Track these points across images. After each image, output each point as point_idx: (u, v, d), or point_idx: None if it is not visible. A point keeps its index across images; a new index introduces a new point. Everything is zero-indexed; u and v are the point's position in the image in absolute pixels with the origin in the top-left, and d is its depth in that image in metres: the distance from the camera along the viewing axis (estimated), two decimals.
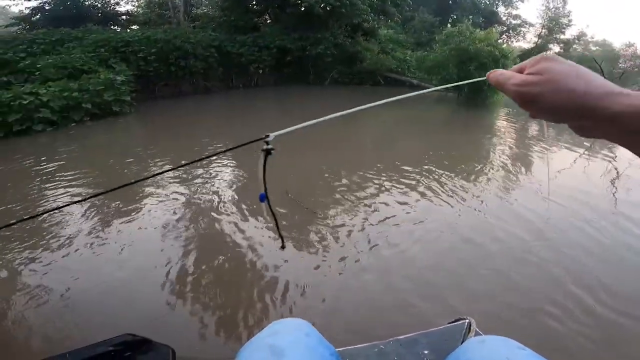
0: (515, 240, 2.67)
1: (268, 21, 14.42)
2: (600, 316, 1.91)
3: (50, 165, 4.33)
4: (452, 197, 3.47)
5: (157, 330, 1.77)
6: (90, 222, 2.89)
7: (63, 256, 2.43)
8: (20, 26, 11.95)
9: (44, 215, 2.94)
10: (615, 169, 4.69)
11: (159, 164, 4.53)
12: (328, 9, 12.01)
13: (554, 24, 28.02)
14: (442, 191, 3.59)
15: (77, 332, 1.77)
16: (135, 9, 16.29)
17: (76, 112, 6.65)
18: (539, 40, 28.18)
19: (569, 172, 4.51)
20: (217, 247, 2.52)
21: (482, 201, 3.41)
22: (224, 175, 4.06)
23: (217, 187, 3.65)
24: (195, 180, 3.83)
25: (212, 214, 3.04)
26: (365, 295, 2.07)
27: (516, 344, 0.57)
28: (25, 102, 5.75)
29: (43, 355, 0.82)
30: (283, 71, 12.66)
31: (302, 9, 12.16)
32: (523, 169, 4.57)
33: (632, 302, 2.01)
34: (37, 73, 7.41)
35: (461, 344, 0.77)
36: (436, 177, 3.99)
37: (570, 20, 28.09)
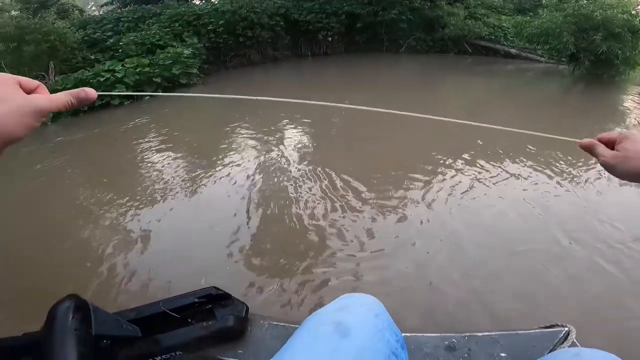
0: None
1: None
2: None
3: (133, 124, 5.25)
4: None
5: (232, 285, 1.81)
6: (178, 176, 3.24)
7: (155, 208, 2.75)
8: (114, 5, 13.02)
9: (135, 168, 3.62)
10: None
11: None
12: None
13: None
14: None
15: (161, 282, 1.94)
16: None
17: (149, 86, 6.99)
18: None
19: None
20: (287, 213, 2.55)
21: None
22: (297, 140, 4.10)
23: (290, 152, 3.70)
24: (270, 145, 3.95)
25: (292, 177, 3.07)
26: None
27: None
28: (102, 79, 6.14)
29: (139, 302, 0.86)
30: (354, 38, 11.75)
31: None
32: None
33: None
34: (120, 50, 7.93)
35: (548, 352, 0.70)
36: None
37: None
